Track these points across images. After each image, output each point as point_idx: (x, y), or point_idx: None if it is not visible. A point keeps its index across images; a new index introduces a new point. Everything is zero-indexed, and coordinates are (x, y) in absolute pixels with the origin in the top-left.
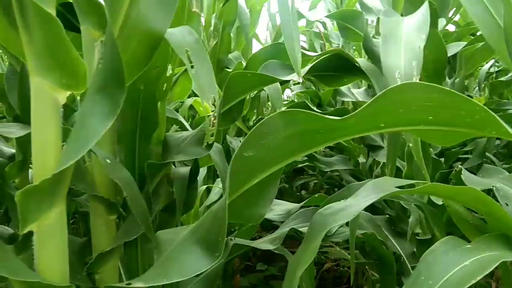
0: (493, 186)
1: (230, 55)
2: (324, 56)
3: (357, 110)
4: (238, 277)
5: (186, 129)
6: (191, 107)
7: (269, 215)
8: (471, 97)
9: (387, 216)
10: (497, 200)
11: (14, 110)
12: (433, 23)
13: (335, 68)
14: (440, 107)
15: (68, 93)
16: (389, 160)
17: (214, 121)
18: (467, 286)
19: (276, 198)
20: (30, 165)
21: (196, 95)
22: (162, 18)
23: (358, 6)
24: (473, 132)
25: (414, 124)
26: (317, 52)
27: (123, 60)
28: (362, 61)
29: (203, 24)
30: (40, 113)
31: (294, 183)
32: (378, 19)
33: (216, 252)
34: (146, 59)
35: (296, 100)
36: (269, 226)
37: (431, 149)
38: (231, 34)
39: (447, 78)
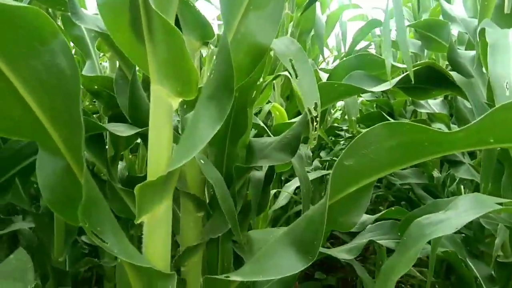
0: None
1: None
2: (416, 68)
3: (468, 125)
4: (297, 284)
5: (262, 134)
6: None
7: None
8: None
9: (463, 235)
10: None
11: (109, 110)
12: None
13: (425, 80)
14: None
15: (181, 99)
16: (483, 177)
17: (316, 126)
18: None
19: None
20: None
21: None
22: (268, 32)
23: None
24: None
25: None
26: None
27: (234, 65)
28: (454, 74)
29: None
30: (157, 117)
31: None
32: (480, 30)
33: (310, 255)
34: (250, 69)
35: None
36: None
37: None
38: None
39: None
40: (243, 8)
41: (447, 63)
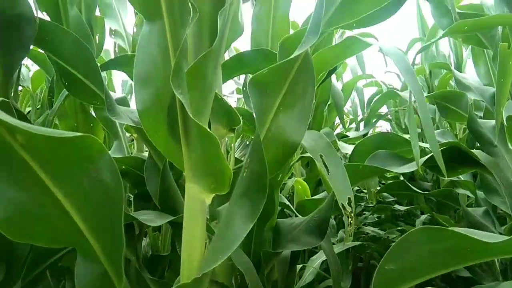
0: None
1: (322, 131)
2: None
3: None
4: None
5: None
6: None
7: None
8: None
9: None
10: None
11: (136, 188)
12: None
13: (450, 159)
14: None
15: (214, 194)
16: None
17: (351, 221)
18: None
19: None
20: None
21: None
22: (298, 130)
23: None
24: None
25: None
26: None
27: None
28: (479, 153)
29: None
30: (191, 213)
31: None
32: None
33: None
34: (281, 163)
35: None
36: None
37: None
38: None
39: None
40: (274, 108)
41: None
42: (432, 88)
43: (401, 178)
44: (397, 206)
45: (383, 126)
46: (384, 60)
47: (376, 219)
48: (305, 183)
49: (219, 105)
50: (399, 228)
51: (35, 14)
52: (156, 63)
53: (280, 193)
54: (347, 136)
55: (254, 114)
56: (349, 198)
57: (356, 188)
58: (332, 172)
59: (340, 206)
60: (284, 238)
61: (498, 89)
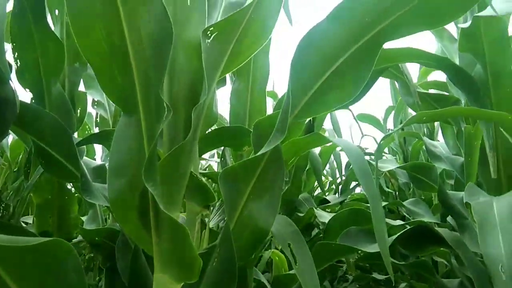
0: None
1: (300, 196)
2: (409, 227)
3: None
4: None
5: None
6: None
7: None
8: None
9: None
10: None
11: (107, 263)
12: None
13: (419, 237)
14: None
15: (182, 283)
16: None
17: None
18: None
19: None
20: None
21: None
22: (268, 217)
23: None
24: None
25: None
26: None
27: (235, 246)
28: (445, 231)
29: None
30: None
31: None
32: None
33: None
34: (252, 249)
35: None
36: None
37: None
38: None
39: None
40: (244, 197)
41: None
42: (406, 153)
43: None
44: (375, 275)
45: None
46: (359, 127)
47: (358, 286)
48: (282, 255)
49: (194, 184)
50: None
51: (17, 98)
52: (131, 154)
53: (256, 266)
54: (326, 199)
55: (224, 203)
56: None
57: None
58: (300, 263)
59: None
60: None
61: (466, 167)
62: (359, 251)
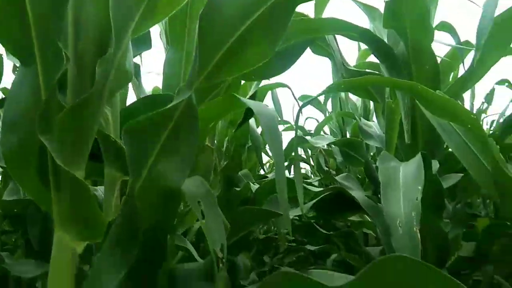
0: None
1: (240, 173)
2: (326, 192)
3: (351, 280)
4: None
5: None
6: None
7: None
8: (476, 214)
9: None
10: None
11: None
12: (428, 167)
13: (337, 203)
14: (426, 281)
15: (86, 243)
16: None
17: (221, 267)
18: None
19: None
20: None
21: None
22: (179, 176)
23: None
24: None
25: None
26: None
27: (142, 208)
28: (361, 197)
29: (216, 144)
30: (58, 263)
31: None
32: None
33: None
34: (163, 208)
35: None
36: None
37: None
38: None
39: (448, 205)
40: (154, 154)
41: None
42: (344, 134)
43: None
44: (308, 246)
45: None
46: (297, 102)
47: (295, 259)
48: None
49: (113, 149)
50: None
51: None
52: (27, 107)
53: (186, 237)
54: (266, 176)
55: (128, 162)
56: (222, 245)
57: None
58: (208, 220)
59: (212, 253)
60: (178, 284)
61: (387, 141)
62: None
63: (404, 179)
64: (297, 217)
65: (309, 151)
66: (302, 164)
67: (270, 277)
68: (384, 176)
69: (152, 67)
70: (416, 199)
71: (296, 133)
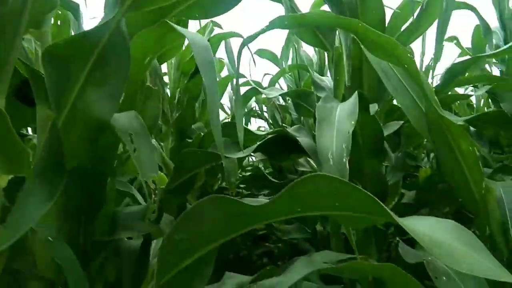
0: (424, 259)
1: (193, 126)
2: (270, 136)
3: (274, 197)
4: None
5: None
6: None
7: None
8: (420, 166)
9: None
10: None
11: None
12: (365, 109)
13: (281, 146)
14: (343, 195)
15: (10, 176)
16: (332, 230)
17: (155, 198)
18: None
19: (234, 267)
20: None
21: None
22: (108, 108)
23: None
24: (371, 217)
25: (326, 209)
26: (278, 122)
27: (68, 144)
28: (303, 140)
29: (169, 96)
30: None
31: (255, 251)
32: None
33: None
34: (92, 142)
35: (261, 166)
36: None
37: None
38: (197, 105)
39: (391, 153)
40: (78, 85)
41: None
42: (299, 87)
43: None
44: (261, 197)
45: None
46: (252, 58)
47: None
48: (162, 174)
49: (41, 86)
50: None
51: None
52: None
53: (132, 184)
54: None
55: (49, 93)
56: (154, 176)
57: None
58: (139, 151)
59: (143, 184)
60: (120, 226)
61: (334, 87)
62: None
63: (339, 117)
64: (250, 170)
65: (265, 108)
66: (260, 121)
67: (201, 201)
68: (320, 113)
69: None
70: (348, 132)
71: (237, 77)
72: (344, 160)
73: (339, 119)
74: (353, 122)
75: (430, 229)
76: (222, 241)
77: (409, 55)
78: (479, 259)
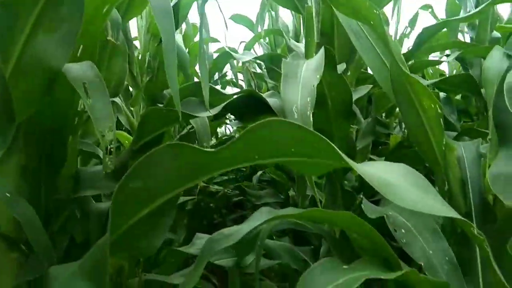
0: (385, 214)
1: (165, 91)
2: (237, 95)
3: (229, 143)
4: None
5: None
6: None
7: (191, 250)
8: (392, 134)
9: (312, 247)
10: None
11: None
12: (333, 68)
13: (248, 106)
14: (298, 140)
15: None
16: (299, 192)
17: (112, 149)
18: None
19: (209, 234)
20: None
21: (119, 128)
22: (59, 56)
23: None
24: (327, 162)
25: (282, 156)
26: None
27: (18, 93)
28: (271, 99)
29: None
30: None
31: (228, 217)
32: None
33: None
34: (43, 93)
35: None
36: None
37: (345, 181)
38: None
39: (361, 118)
40: (27, 30)
41: None
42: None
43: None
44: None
45: None
46: (225, 23)
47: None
48: (130, 137)
49: None
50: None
51: None
52: None
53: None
54: None
55: None
56: (110, 127)
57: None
58: (94, 101)
59: (98, 135)
60: (84, 185)
61: (305, 47)
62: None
63: (305, 72)
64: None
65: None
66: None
67: (156, 149)
68: (286, 69)
69: None
70: (313, 86)
71: (200, 28)
72: (308, 113)
73: (305, 74)
74: (318, 76)
75: (381, 171)
76: (178, 191)
77: (375, 11)
78: (424, 197)
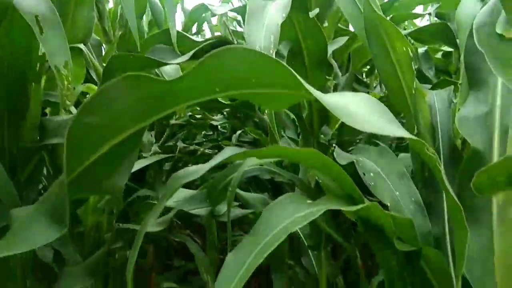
0: (354, 159)
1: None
2: (208, 41)
3: (185, 72)
4: (153, 275)
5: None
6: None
7: (168, 202)
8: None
9: None
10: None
11: None
12: (305, 11)
13: None
14: (258, 70)
15: None
16: (271, 139)
17: (69, 85)
18: (291, 231)
19: None
20: None
21: (89, 81)
22: None
23: None
24: (289, 92)
25: (243, 87)
26: None
27: None
28: (241, 42)
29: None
30: None
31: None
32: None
33: (63, 225)
34: None
35: None
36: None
37: (321, 135)
38: (144, 27)
39: (339, 72)
40: None
41: None
42: None
43: None
44: (213, 122)
45: None
46: None
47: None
48: (94, 86)
49: None
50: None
51: None
52: None
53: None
54: None
55: None
56: (66, 62)
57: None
58: (47, 35)
59: (54, 70)
60: (49, 134)
61: None
62: None
63: (271, 12)
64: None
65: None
66: None
67: (113, 80)
68: (251, 8)
69: None
70: (277, 24)
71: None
72: (271, 51)
73: (271, 14)
74: (284, 15)
75: (345, 101)
76: (138, 127)
77: None
78: (382, 121)
